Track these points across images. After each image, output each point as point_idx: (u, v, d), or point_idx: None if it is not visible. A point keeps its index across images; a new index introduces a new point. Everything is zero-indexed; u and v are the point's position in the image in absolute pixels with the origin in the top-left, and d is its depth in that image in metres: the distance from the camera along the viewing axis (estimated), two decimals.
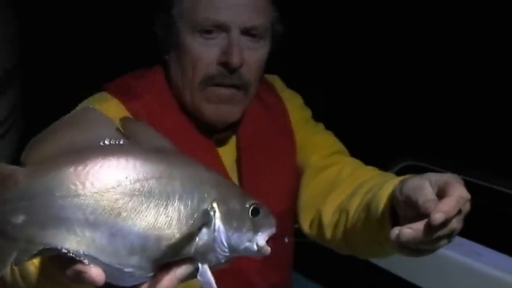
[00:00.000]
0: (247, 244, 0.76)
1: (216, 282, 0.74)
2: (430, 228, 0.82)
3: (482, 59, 2.61)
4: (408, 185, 0.91)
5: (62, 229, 0.68)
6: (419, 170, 2.03)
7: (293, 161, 1.31)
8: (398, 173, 2.06)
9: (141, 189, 0.70)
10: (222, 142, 1.25)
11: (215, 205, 0.73)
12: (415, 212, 0.86)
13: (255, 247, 0.77)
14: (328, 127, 1.41)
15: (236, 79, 1.16)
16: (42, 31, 2.37)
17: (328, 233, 1.22)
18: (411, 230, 0.83)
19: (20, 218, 0.68)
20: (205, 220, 0.72)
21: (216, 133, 1.23)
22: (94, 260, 0.67)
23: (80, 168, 0.69)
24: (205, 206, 0.73)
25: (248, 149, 1.26)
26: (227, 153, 1.25)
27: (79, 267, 0.66)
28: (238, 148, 1.26)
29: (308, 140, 1.33)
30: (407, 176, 1.03)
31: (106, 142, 0.72)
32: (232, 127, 1.25)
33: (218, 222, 0.73)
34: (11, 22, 1.92)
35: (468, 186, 0.88)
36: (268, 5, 1.18)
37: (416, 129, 2.67)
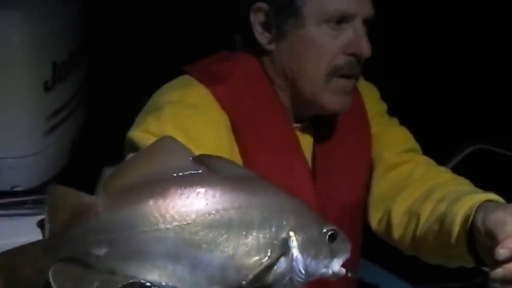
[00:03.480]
0: (323, 270, 0.76)
1: None
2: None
3: None
4: (490, 218, 0.91)
5: (145, 262, 0.69)
6: (487, 154, 1.99)
7: (368, 154, 1.29)
8: (467, 158, 2.03)
9: (221, 220, 0.70)
10: (301, 130, 1.24)
11: (292, 233, 0.73)
12: (496, 245, 0.85)
13: (331, 272, 0.77)
14: (398, 112, 1.37)
15: (359, 69, 1.16)
16: (109, 13, 2.38)
17: (396, 234, 1.21)
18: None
19: (102, 250, 0.70)
20: (284, 250, 0.72)
21: (297, 121, 1.22)
22: None
23: (160, 201, 0.70)
24: (284, 235, 0.72)
25: (324, 138, 1.24)
26: (305, 141, 1.23)
27: None
28: (315, 137, 1.25)
29: (383, 134, 1.31)
30: (487, 194, 1.02)
31: (185, 172, 0.72)
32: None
33: (296, 251, 0.73)
34: (75, 2, 1.92)
35: None
36: None
37: (485, 113, 2.59)
